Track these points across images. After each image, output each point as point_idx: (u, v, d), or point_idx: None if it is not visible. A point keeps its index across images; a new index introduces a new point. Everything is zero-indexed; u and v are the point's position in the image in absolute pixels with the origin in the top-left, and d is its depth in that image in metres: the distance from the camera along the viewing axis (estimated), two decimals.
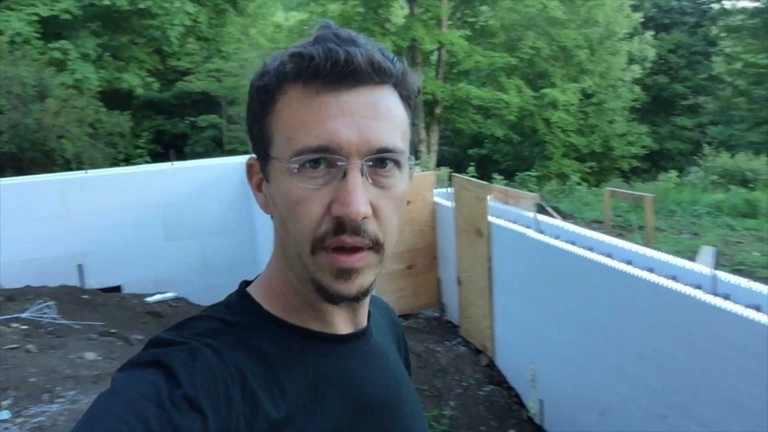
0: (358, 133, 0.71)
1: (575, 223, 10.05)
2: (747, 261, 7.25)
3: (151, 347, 0.73)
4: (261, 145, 0.78)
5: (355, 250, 0.73)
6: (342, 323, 0.84)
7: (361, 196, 0.71)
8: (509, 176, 15.92)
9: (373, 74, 0.73)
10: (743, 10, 28.52)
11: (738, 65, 29.43)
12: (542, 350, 4.57)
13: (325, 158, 0.72)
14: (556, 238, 4.61)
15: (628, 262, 3.93)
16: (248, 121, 0.81)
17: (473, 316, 5.57)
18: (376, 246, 0.74)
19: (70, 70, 13.37)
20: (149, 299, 7.32)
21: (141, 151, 15.66)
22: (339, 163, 0.72)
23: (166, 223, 8.19)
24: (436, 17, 20.80)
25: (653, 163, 24.77)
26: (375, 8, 20.84)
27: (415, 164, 0.80)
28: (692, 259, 6.92)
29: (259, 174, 0.81)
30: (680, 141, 25.55)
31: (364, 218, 0.72)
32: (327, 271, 0.74)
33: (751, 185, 13.57)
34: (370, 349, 0.87)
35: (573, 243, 4.45)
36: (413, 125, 0.80)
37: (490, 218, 5.12)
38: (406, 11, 21.81)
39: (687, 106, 27.82)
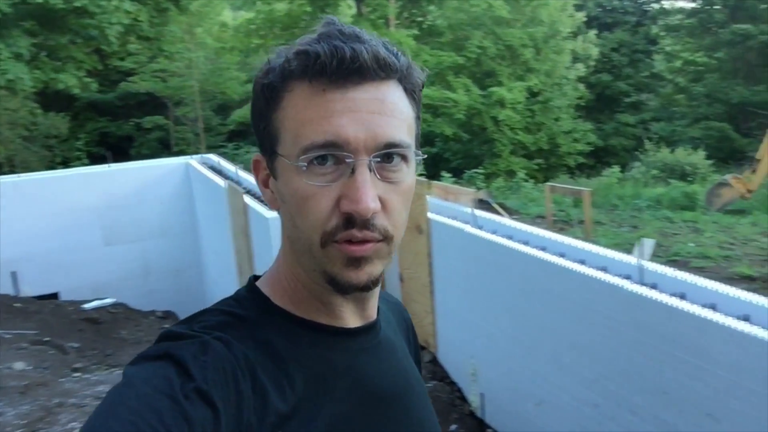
0: (365, 129, 0.72)
1: (520, 218, 10.20)
2: (682, 252, 7.48)
3: (161, 341, 0.73)
4: (268, 142, 0.78)
5: (365, 241, 0.74)
6: (351, 317, 0.84)
7: (370, 192, 0.72)
8: (459, 174, 16.08)
9: (378, 70, 0.73)
10: (681, 10, 29.50)
11: (677, 63, 30.42)
12: (482, 345, 4.60)
13: (332, 155, 0.72)
14: (494, 233, 4.64)
15: (562, 255, 3.98)
16: (253, 119, 0.81)
17: (416, 313, 5.57)
18: (386, 239, 0.75)
19: (2, 70, 12.86)
20: (86, 306, 7.10)
21: (80, 153, 15.19)
22: (347, 160, 0.72)
23: (105, 227, 7.96)
24: (383, 17, 20.84)
25: (598, 159, 25.35)
26: (322, 7, 20.71)
27: (422, 158, 0.81)
28: (630, 251, 7.09)
29: (266, 170, 0.82)
30: (624, 137, 26.23)
31: (374, 213, 0.72)
32: (338, 261, 0.75)
33: (689, 179, 14.03)
34: (379, 342, 0.87)
35: (510, 238, 4.48)
36: (418, 119, 0.81)
37: (430, 215, 5.13)
38: (354, 11, 21.79)
39: (630, 103, 28.60)
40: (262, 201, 5.80)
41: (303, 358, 0.78)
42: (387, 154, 0.74)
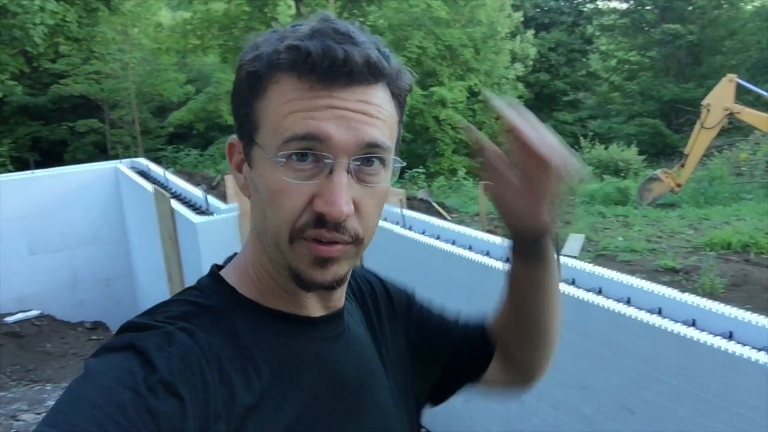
0: (348, 129, 0.71)
1: (459, 216, 10.30)
2: (610, 246, 7.68)
3: (124, 332, 0.71)
4: (246, 128, 0.77)
5: (334, 243, 0.73)
6: (315, 306, 0.84)
7: (345, 196, 0.71)
8: (401, 174, 16.15)
9: (368, 74, 0.73)
10: (615, 10, 30.45)
11: (612, 62, 31.43)
12: None
13: (313, 152, 0.71)
14: (422, 233, 4.65)
15: (486, 253, 4.02)
16: (234, 103, 0.79)
17: None
18: (356, 241, 0.75)
19: None
20: (8, 319, 6.80)
21: (2, 159, 14.57)
22: (327, 160, 0.71)
23: (30, 236, 7.64)
24: None
25: None
26: (260, 7, 20.50)
27: (402, 165, 0.81)
28: (561, 246, 7.23)
29: (241, 155, 0.80)
30: (563, 135, 25.87)
31: (346, 217, 0.72)
32: (304, 258, 0.74)
33: (622, 174, 14.46)
34: (343, 332, 0.87)
35: (437, 237, 4.50)
36: (401, 123, 0.81)
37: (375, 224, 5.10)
38: (293, 11, 21.60)
39: (568, 101, 29.34)
40: (189, 206, 5.67)
41: (268, 347, 0.77)
42: (367, 157, 0.74)
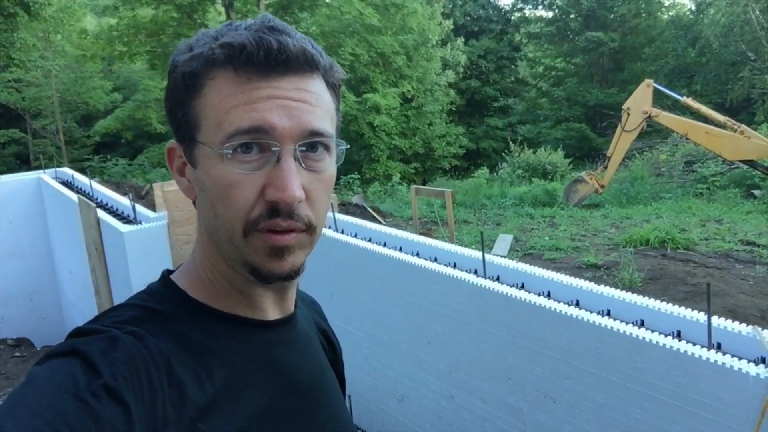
0: (290, 117, 0.72)
1: (394, 221, 10.42)
2: (537, 245, 7.95)
3: (69, 338, 0.69)
4: (186, 129, 0.76)
5: (289, 231, 0.74)
6: (270, 308, 0.83)
7: (295, 181, 0.72)
8: (336, 180, 16.16)
9: (304, 64, 0.74)
10: (541, 19, 31.42)
11: (539, 69, 32.40)
12: (346, 348, 4.60)
13: (258, 142, 0.72)
14: (355, 236, 4.71)
15: (416, 254, 4.11)
16: (169, 105, 0.78)
17: None
18: (309, 229, 0.76)
19: None
20: None
21: None
22: (273, 148, 0.72)
23: None
24: None
25: (472, 161, 26.46)
26: (189, 13, 20.15)
27: (346, 147, 0.82)
28: (491, 247, 7.43)
29: (182, 158, 0.79)
30: (494, 140, 27.52)
31: (299, 202, 0.73)
32: (260, 251, 0.74)
33: (550, 177, 14.93)
34: (297, 335, 0.87)
35: (369, 240, 4.56)
36: (338, 111, 0.83)
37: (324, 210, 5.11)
38: (223, 17, 21.33)
39: (498, 107, 30.08)
40: (116, 215, 5.54)
41: (221, 350, 0.76)
42: (311, 143, 0.74)
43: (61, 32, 21.66)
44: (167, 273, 0.84)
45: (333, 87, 0.81)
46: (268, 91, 0.72)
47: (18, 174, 8.49)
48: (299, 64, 0.74)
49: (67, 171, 7.93)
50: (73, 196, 6.24)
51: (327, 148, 0.77)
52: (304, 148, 0.74)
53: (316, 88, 0.76)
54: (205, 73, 0.74)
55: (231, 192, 0.73)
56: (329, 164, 0.78)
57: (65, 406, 0.59)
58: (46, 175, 7.72)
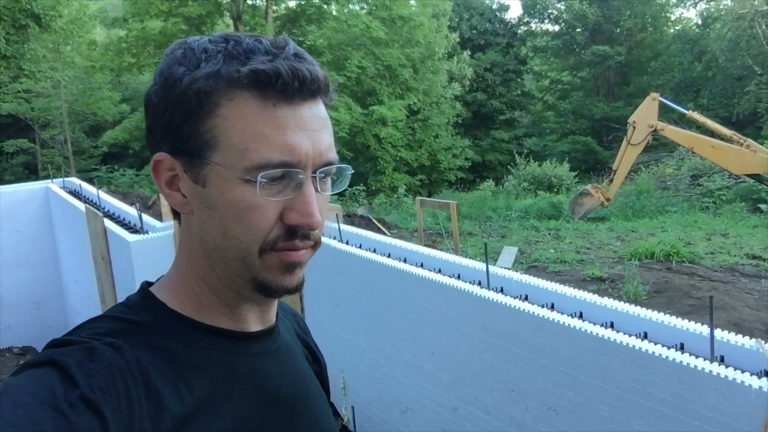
0: (312, 145, 0.74)
1: (399, 232, 10.43)
2: (542, 258, 7.94)
3: (47, 349, 0.69)
4: (193, 147, 0.75)
5: (302, 248, 0.77)
6: (253, 321, 0.84)
7: (317, 206, 0.75)
8: (341, 191, 16.19)
9: (324, 91, 0.77)
10: (548, 32, 31.55)
11: (546, 82, 32.52)
12: (350, 357, 4.64)
13: (288, 172, 0.73)
14: (359, 247, 4.72)
15: (420, 265, 4.12)
16: (168, 117, 0.76)
17: None
18: (315, 245, 0.80)
19: None
20: None
21: None
22: (299, 176, 0.74)
23: None
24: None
25: (477, 174, 26.49)
26: (197, 25, 20.32)
27: (351, 173, 0.86)
28: (495, 260, 7.44)
29: (172, 172, 0.78)
30: (500, 152, 27.56)
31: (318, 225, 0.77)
32: (273, 268, 0.76)
33: (555, 190, 14.93)
34: (279, 346, 0.88)
35: (374, 251, 4.57)
36: None
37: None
38: (231, 30, 21.49)
39: (504, 120, 30.15)
40: (123, 225, 5.57)
41: (202, 362, 0.77)
42: (327, 171, 0.77)
43: (71, 44, 21.86)
44: (146, 285, 0.84)
45: (327, 107, 0.83)
46: (293, 120, 0.74)
47: (26, 183, 8.56)
48: (320, 91, 0.77)
49: (75, 181, 7.99)
50: (81, 205, 6.29)
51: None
52: (323, 175, 0.77)
53: (323, 112, 0.79)
54: (224, 93, 0.73)
55: (251, 215, 0.74)
56: (329, 186, 0.82)
57: (41, 416, 0.59)
58: (53, 185, 7.78)
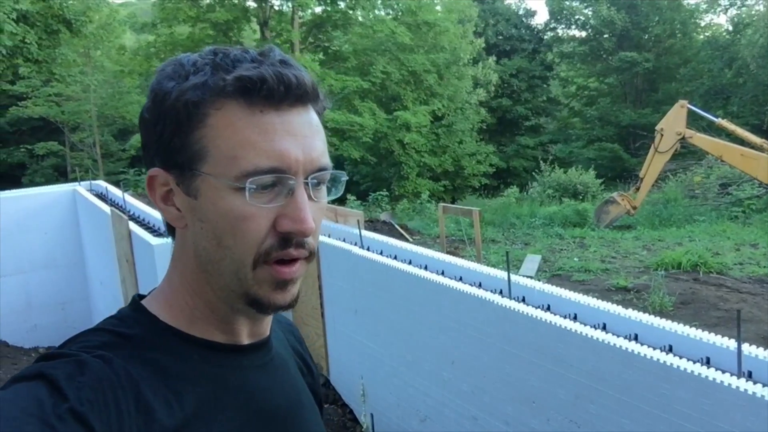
0: (303, 151, 0.74)
1: (421, 238, 10.40)
2: (566, 266, 7.84)
3: (37, 362, 0.69)
4: (183, 159, 0.75)
5: (294, 260, 0.75)
6: (245, 334, 0.83)
7: (309, 212, 0.74)
8: (365, 197, 16.20)
9: (312, 97, 0.77)
10: (574, 38, 31.29)
11: (572, 88, 32.23)
12: (370, 365, 4.63)
13: (278, 178, 0.73)
14: (380, 253, 4.71)
15: (441, 273, 4.09)
16: (160, 131, 0.76)
17: (307, 336, 5.54)
18: (310, 255, 0.77)
19: None
20: None
21: None
22: (290, 182, 0.73)
23: None
24: (288, 41, 20.90)
25: (502, 180, 26.34)
26: (225, 31, 20.56)
27: (345, 179, 0.85)
28: (519, 267, 7.37)
29: (166, 187, 0.78)
30: (524, 159, 27.37)
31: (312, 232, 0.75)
32: (265, 284, 0.75)
33: (581, 197, 14.77)
34: (272, 359, 0.87)
35: (395, 257, 4.55)
36: None
37: (320, 237, 5.13)
38: (258, 35, 21.71)
39: (529, 126, 29.96)
40: (147, 228, 5.63)
41: (193, 375, 0.76)
42: (319, 178, 0.76)
43: (101, 48, 22.24)
44: (138, 298, 0.83)
45: (320, 116, 0.82)
46: (281, 126, 0.73)
47: (54, 186, 8.71)
48: (308, 97, 0.76)
49: (102, 183, 8.11)
50: (107, 208, 6.38)
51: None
52: (315, 181, 0.76)
53: (313, 118, 0.78)
54: (211, 103, 0.73)
55: (243, 225, 0.73)
56: (324, 194, 0.80)
57: (30, 429, 0.59)
58: (81, 188, 7.90)
